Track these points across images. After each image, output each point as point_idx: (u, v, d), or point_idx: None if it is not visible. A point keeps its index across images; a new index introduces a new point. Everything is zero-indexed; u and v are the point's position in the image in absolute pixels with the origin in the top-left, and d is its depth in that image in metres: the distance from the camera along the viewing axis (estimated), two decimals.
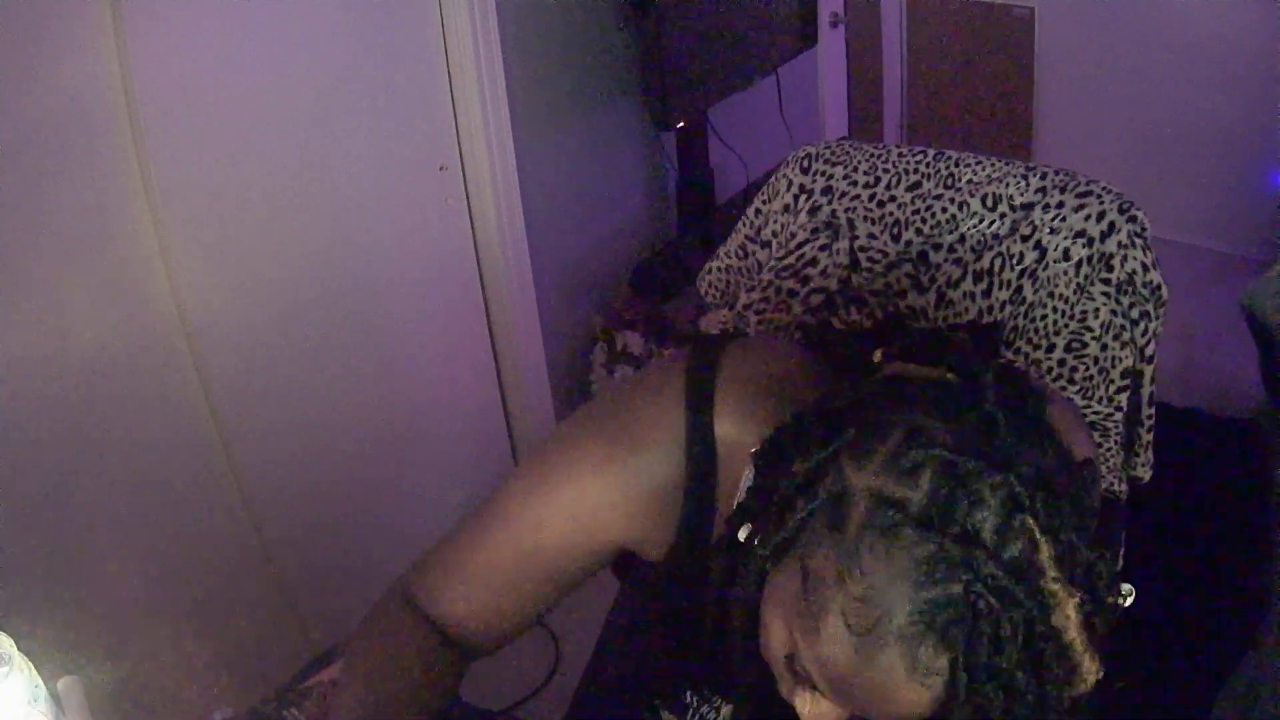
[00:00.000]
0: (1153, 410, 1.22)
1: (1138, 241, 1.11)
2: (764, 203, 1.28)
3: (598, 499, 0.86)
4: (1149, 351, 1.16)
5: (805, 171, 1.24)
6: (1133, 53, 3.21)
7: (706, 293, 1.36)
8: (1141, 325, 1.14)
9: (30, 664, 0.88)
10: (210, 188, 1.63)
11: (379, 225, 1.94)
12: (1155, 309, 1.14)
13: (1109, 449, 1.17)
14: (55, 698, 0.91)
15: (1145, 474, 1.26)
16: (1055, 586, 0.63)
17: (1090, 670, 0.65)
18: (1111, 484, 1.19)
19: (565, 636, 2.10)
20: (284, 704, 1.07)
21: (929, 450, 0.64)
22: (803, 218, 1.22)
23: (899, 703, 0.66)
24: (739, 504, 0.76)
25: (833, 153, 1.24)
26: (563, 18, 2.21)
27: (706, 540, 0.86)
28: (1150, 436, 1.24)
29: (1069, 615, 0.64)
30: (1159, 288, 1.13)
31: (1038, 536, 0.63)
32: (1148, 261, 1.12)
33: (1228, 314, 1.97)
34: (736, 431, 0.83)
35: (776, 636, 0.71)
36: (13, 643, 0.87)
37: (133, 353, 1.57)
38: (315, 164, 1.79)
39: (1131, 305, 1.12)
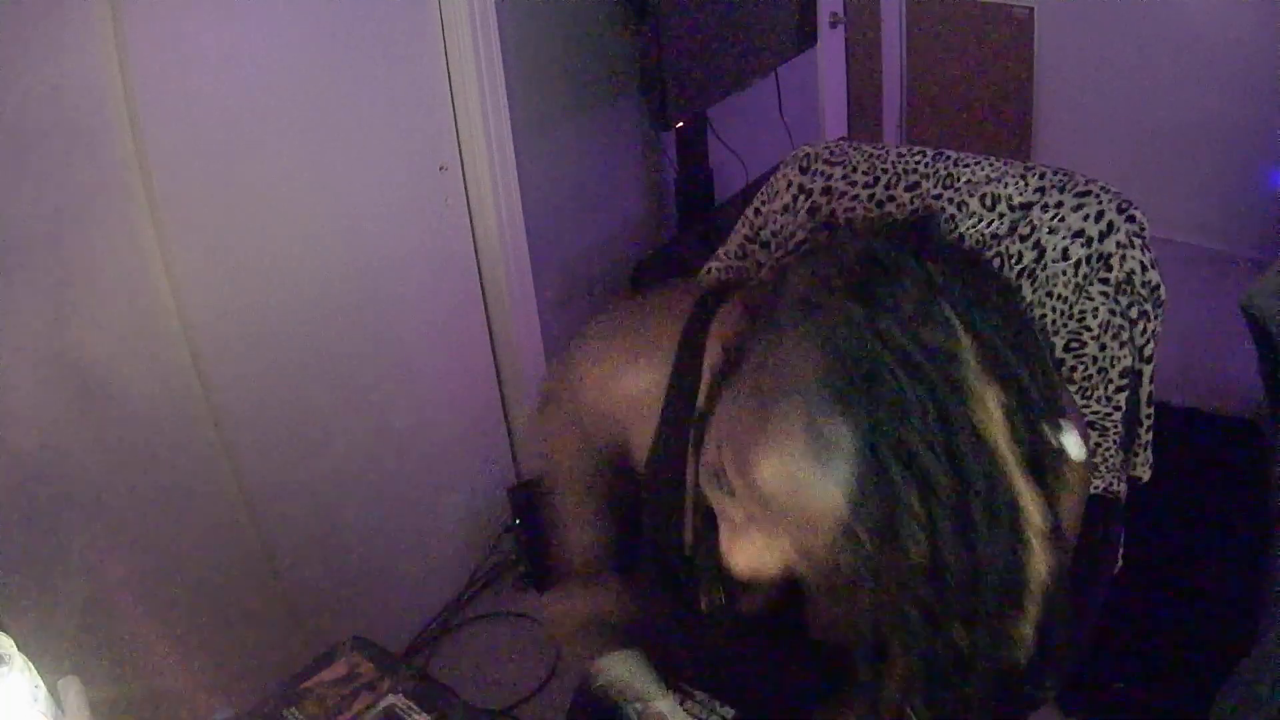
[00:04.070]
0: (1152, 410, 1.22)
1: (1136, 241, 1.11)
2: (763, 203, 1.28)
3: (597, 388, 0.96)
4: (1148, 351, 1.16)
5: (804, 171, 1.24)
6: (1133, 53, 3.21)
7: None
8: (1140, 325, 1.14)
9: (30, 664, 0.88)
10: (210, 188, 1.63)
11: (379, 226, 1.94)
12: (1154, 309, 1.14)
13: (1108, 448, 1.17)
14: (55, 698, 0.92)
15: (1145, 473, 1.26)
16: (974, 382, 0.61)
17: (1033, 510, 0.62)
18: (1111, 484, 1.18)
19: None
20: (284, 704, 1.07)
21: (856, 242, 0.68)
22: (802, 218, 1.22)
23: (806, 494, 0.63)
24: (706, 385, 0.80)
25: (831, 153, 1.24)
26: (562, 18, 2.21)
27: (682, 454, 0.91)
28: (1149, 436, 1.24)
29: (991, 412, 0.61)
30: (1157, 287, 1.13)
31: (956, 327, 0.62)
32: (1146, 261, 1.12)
33: (1228, 314, 1.97)
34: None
35: (709, 453, 0.72)
36: (13, 643, 0.87)
37: (133, 354, 1.58)
38: (315, 164, 1.79)
39: (1130, 305, 1.12)
